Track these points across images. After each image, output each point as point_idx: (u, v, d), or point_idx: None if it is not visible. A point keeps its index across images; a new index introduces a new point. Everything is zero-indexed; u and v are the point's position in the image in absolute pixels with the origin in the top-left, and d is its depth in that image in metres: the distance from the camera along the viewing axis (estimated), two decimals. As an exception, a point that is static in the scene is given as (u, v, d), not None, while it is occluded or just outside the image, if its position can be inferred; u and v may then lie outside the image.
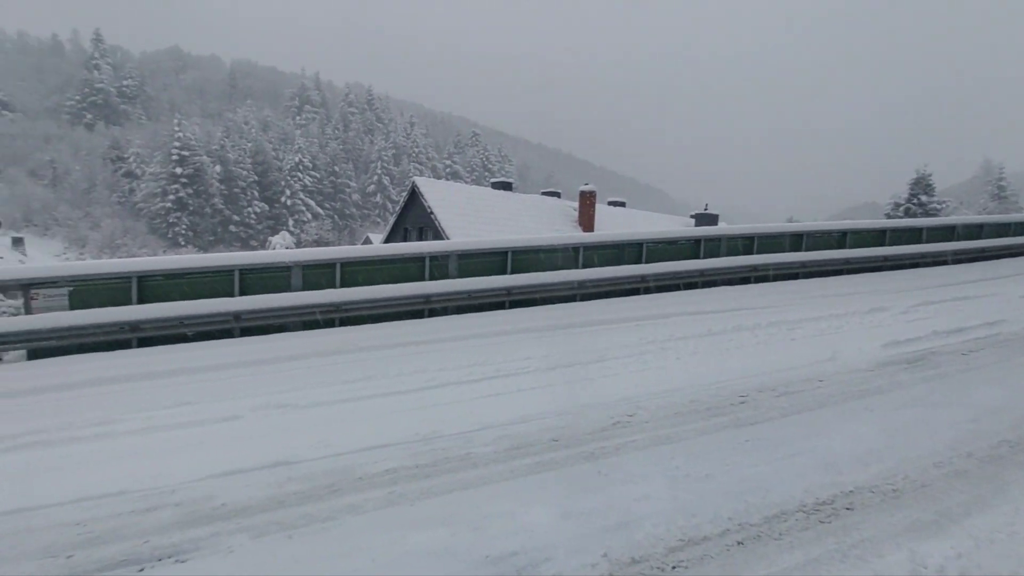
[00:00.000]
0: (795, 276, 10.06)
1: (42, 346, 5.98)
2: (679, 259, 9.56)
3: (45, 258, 43.71)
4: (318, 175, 73.89)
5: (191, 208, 62.66)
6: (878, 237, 11.26)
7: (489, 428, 3.61)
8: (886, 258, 10.79)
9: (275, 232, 59.78)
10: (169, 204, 61.39)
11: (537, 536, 2.41)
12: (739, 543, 2.30)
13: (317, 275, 7.23)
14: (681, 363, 4.99)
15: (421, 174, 64.31)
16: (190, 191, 62.59)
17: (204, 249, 59.53)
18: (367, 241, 49.00)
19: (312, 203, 71.47)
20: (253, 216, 67.70)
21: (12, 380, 5.28)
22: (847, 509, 2.54)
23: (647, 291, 9.07)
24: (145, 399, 4.46)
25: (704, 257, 9.72)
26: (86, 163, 64.32)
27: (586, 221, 17.65)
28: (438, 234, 15.12)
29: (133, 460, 3.31)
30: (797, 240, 10.55)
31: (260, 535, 2.46)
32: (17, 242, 39.78)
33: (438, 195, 16.44)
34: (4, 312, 6.36)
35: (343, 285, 7.29)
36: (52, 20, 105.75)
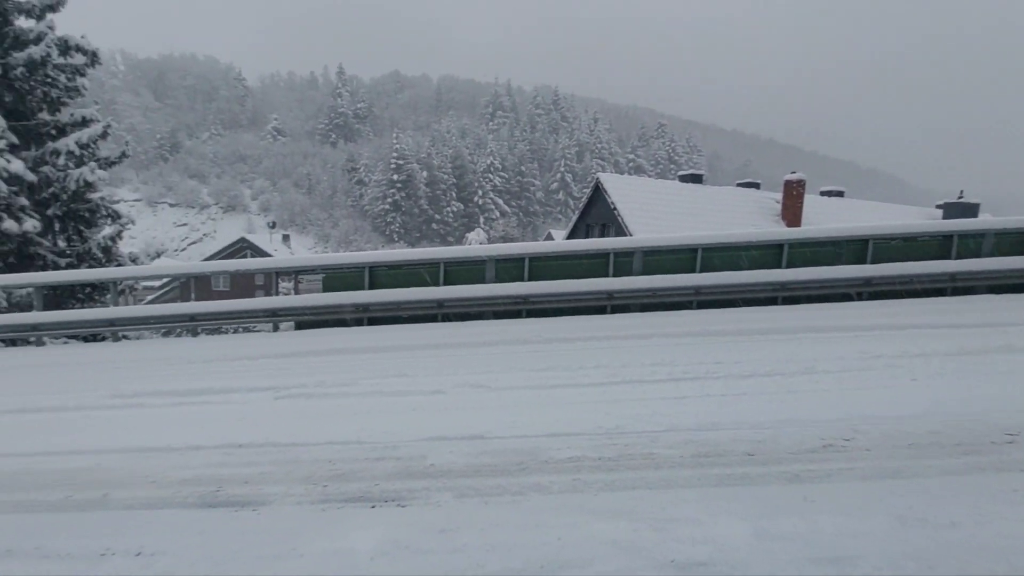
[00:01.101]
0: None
1: (304, 319, 7.68)
2: (919, 258, 7.87)
3: (303, 251, 55.16)
4: (506, 175, 78.89)
5: (403, 209, 72.52)
6: None
7: (674, 431, 3.48)
8: None
9: (470, 229, 65.75)
10: (387, 206, 72.03)
11: (727, 551, 2.25)
12: (1004, 615, 1.84)
13: (508, 269, 7.82)
14: (918, 385, 4.13)
15: (603, 170, 64.02)
16: (403, 194, 72.46)
17: (412, 244, 68.51)
18: (549, 237, 50.81)
19: (500, 202, 76.63)
20: (451, 215, 75.48)
21: (284, 345, 6.84)
22: None
23: (872, 296, 7.68)
24: (375, 368, 5.37)
25: (957, 257, 7.83)
26: (331, 174, 78.96)
27: (791, 214, 15.66)
28: (621, 230, 14.96)
29: (366, 417, 4.00)
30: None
31: (461, 496, 2.77)
32: (285, 238, 50.81)
33: (621, 191, 16.24)
34: (283, 292, 8.31)
35: (531, 279, 7.74)
36: (311, 60, 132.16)
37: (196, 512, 2.67)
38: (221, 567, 2.20)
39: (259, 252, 41.89)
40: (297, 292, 7.85)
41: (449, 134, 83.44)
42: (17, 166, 10.87)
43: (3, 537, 2.50)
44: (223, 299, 8.85)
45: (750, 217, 15.91)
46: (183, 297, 31.80)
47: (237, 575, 2.15)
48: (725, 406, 3.89)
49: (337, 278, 7.74)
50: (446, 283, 7.69)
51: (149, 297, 30.76)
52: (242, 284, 33.09)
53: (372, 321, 7.61)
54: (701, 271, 7.88)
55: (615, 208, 15.61)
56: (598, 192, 18.07)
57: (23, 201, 11.25)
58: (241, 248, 42.69)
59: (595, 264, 7.92)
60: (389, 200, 71.16)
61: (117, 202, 13.91)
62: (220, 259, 38.53)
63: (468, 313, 7.66)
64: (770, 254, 7.91)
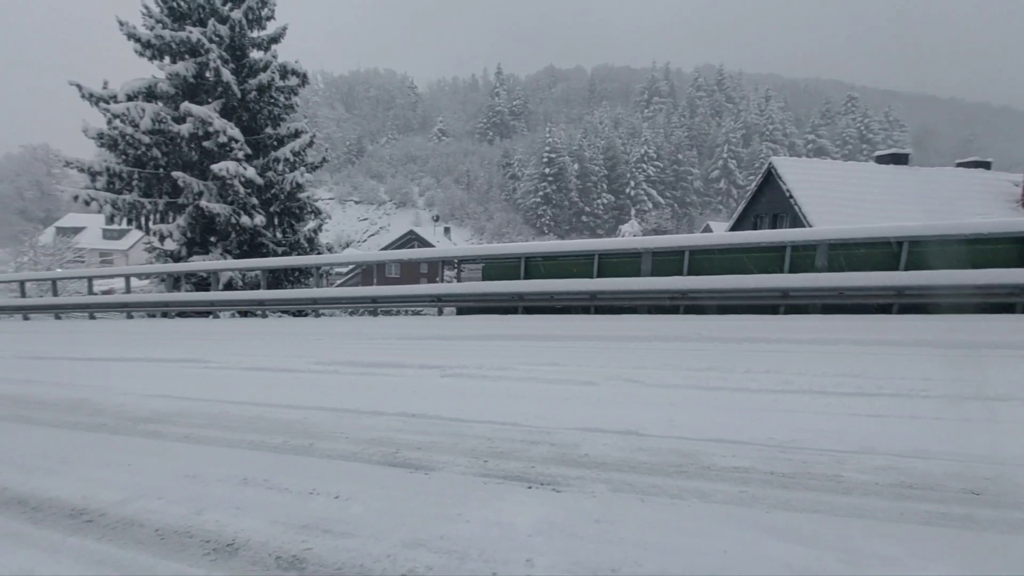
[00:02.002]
0: None
1: (465, 305, 8.28)
2: None
3: (462, 242, 59.35)
4: (661, 164, 75.36)
5: (554, 202, 73.60)
6: None
7: (869, 454, 3.00)
8: None
9: (620, 222, 64.35)
10: (538, 199, 73.75)
11: (945, 604, 1.87)
12: None
13: (665, 262, 7.48)
14: None
15: (776, 153, 57.54)
16: (554, 187, 73.52)
17: (561, 237, 69.35)
18: (707, 229, 47.40)
19: (654, 192, 73.54)
20: (601, 207, 74.61)
21: (448, 328, 7.44)
22: None
23: None
24: (528, 355, 5.56)
25: None
26: (487, 170, 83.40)
27: (1038, 199, 12.40)
28: (797, 221, 13.32)
29: (521, 401, 4.16)
30: None
31: (616, 490, 2.73)
32: (447, 231, 55.18)
33: (799, 175, 14.41)
34: (447, 279, 9.06)
35: (690, 273, 7.31)
36: (473, 63, 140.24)
37: (379, 468, 3.04)
38: (402, 518, 2.47)
39: (424, 243, 46.23)
40: (459, 280, 8.51)
41: (602, 125, 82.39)
42: (251, 173, 13.46)
43: (241, 468, 3.13)
44: (396, 284, 9.94)
45: (977, 204, 12.94)
46: (365, 282, 36.65)
47: (415, 528, 2.40)
48: (939, 431, 3.24)
49: (495, 268, 8.19)
50: (599, 275, 7.64)
51: (338, 281, 35.98)
52: (410, 271, 36.93)
53: (526, 310, 7.90)
54: (906, 268, 6.63)
55: (790, 195, 13.89)
56: (770, 178, 16.27)
57: (254, 201, 13.90)
58: (409, 239, 47.56)
59: (766, 258, 7.16)
60: (540, 193, 72.91)
61: (317, 200, 16.47)
62: (392, 249, 43.40)
63: (621, 306, 7.51)
64: (1013, 249, 6.34)
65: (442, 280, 9.02)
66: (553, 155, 73.02)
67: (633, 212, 69.41)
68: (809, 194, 13.72)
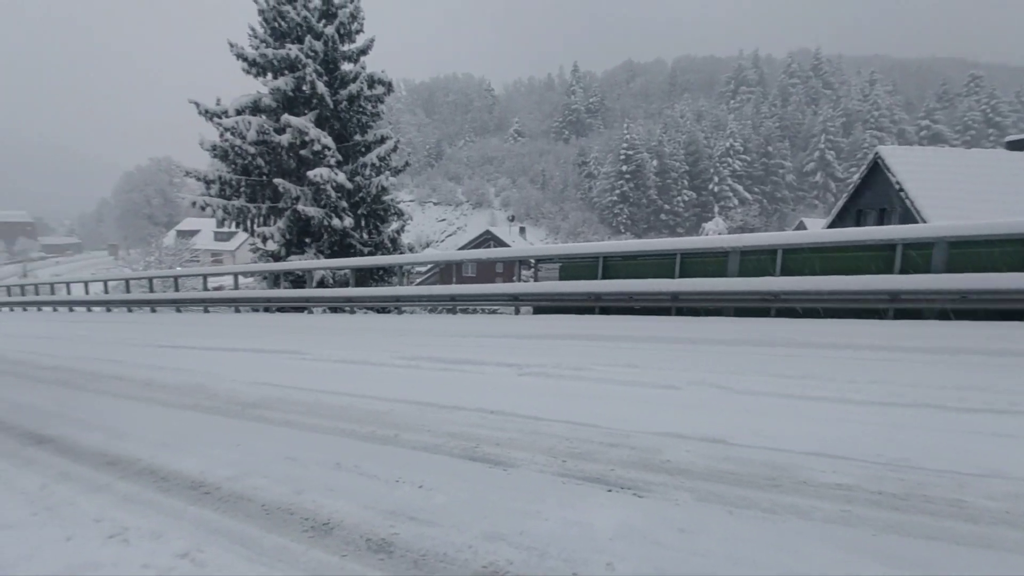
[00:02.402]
0: None
1: (542, 305, 8.31)
2: None
3: (537, 242, 59.53)
4: (749, 158, 71.23)
5: (631, 200, 71.86)
6: None
7: (999, 477, 2.65)
8: None
9: (702, 219, 61.60)
10: (615, 197, 72.34)
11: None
12: None
13: (754, 261, 7.04)
14: None
15: (882, 142, 52.41)
16: (631, 185, 71.78)
17: (639, 236, 67.66)
18: (801, 226, 44.15)
19: (740, 188, 69.71)
20: (681, 204, 71.83)
21: (525, 327, 7.49)
22: None
23: None
24: (606, 356, 5.48)
25: None
26: (563, 169, 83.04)
27: None
28: (908, 216, 12.04)
29: (598, 402, 4.10)
30: None
31: (702, 499, 2.61)
32: (522, 230, 55.59)
33: (912, 166, 13.01)
34: (526, 279, 9.13)
35: (783, 273, 6.83)
36: (550, 63, 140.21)
37: (460, 462, 3.13)
38: (482, 511, 2.53)
39: (500, 243, 46.93)
40: (536, 280, 8.54)
41: (683, 119, 79.22)
42: (341, 178, 14.35)
43: (334, 453, 3.34)
44: (472, 283, 10.18)
45: None
46: (442, 281, 37.89)
47: (496, 521, 2.44)
48: (1092, 457, 2.79)
49: (572, 267, 8.14)
50: (682, 275, 7.35)
51: (417, 280, 37.45)
52: (486, 271, 37.65)
53: (604, 310, 7.77)
54: (1046, 268, 5.78)
55: (900, 188, 12.56)
56: (876, 170, 14.82)
57: (344, 204, 14.81)
58: (485, 239, 48.50)
59: (872, 257, 6.52)
60: (617, 191, 71.44)
61: (400, 203, 17.24)
62: (468, 249, 44.44)
63: (705, 308, 7.18)
64: None
65: (519, 279, 9.11)
66: (630, 152, 71.26)
67: (716, 209, 66.10)
68: (923, 186, 12.32)
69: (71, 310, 19.10)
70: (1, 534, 2.49)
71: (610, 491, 2.72)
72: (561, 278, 8.19)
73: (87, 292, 20.68)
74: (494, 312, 10.12)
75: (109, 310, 17.61)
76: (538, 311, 8.43)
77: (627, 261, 7.78)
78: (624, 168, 71.42)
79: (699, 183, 71.87)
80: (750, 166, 70.98)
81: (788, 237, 7.11)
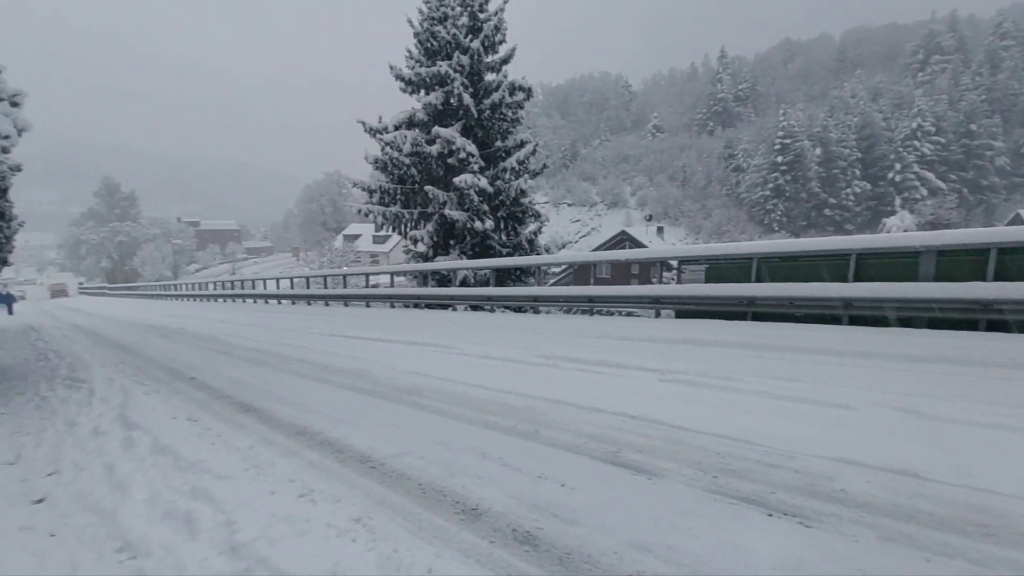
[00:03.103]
0: None
1: (685, 308, 7.86)
2: None
3: (676, 242, 56.64)
4: (943, 140, 59.89)
5: (787, 194, 64.83)
6: None
7: None
8: None
9: (879, 214, 53.34)
10: (767, 192, 65.84)
11: None
12: None
13: (956, 263, 5.86)
14: None
15: None
16: (788, 178, 64.73)
17: (796, 234, 60.70)
18: (1016, 220, 36.05)
19: (930, 176, 58.96)
20: (851, 198, 62.97)
21: (666, 331, 7.17)
22: None
23: None
24: (760, 366, 5.00)
25: None
26: (706, 164, 77.87)
27: None
28: None
29: (752, 417, 3.75)
30: None
31: (888, 539, 2.25)
32: (660, 230, 53.30)
33: None
34: (667, 281, 8.74)
35: (998, 278, 5.58)
36: (692, 52, 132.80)
37: (601, 464, 3.09)
38: (626, 517, 2.47)
39: (636, 243, 45.53)
40: (680, 281, 8.10)
41: (855, 99, 69.22)
42: (483, 183, 15.13)
43: (480, 443, 3.52)
44: (606, 285, 9.99)
45: None
46: (577, 281, 37.95)
47: (642, 530, 2.36)
48: None
49: (721, 269, 7.56)
50: (856, 278, 6.39)
51: (551, 280, 37.94)
52: (621, 272, 36.81)
53: (757, 316, 7.09)
54: None
55: None
56: None
57: (485, 207, 15.59)
58: (621, 240, 47.42)
59: None
60: (770, 185, 64.89)
61: (535, 205, 17.62)
62: (603, 250, 43.84)
63: (886, 317, 6.17)
64: None
65: (659, 281, 8.71)
66: (787, 140, 64.21)
67: (899, 202, 56.56)
68: None
69: (267, 302, 22.87)
70: (225, 483, 3.06)
71: (770, 516, 2.47)
72: (707, 280, 7.64)
73: (277, 287, 24.58)
74: (631, 314, 9.84)
75: (293, 303, 20.72)
76: (681, 315, 7.97)
77: (787, 262, 6.97)
78: (779, 159, 64.58)
79: (875, 172, 62.15)
80: (944, 149, 59.46)
81: (1006, 234, 5.77)
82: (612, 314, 10.01)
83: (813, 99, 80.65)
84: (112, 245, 76.09)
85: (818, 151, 64.06)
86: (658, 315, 8.48)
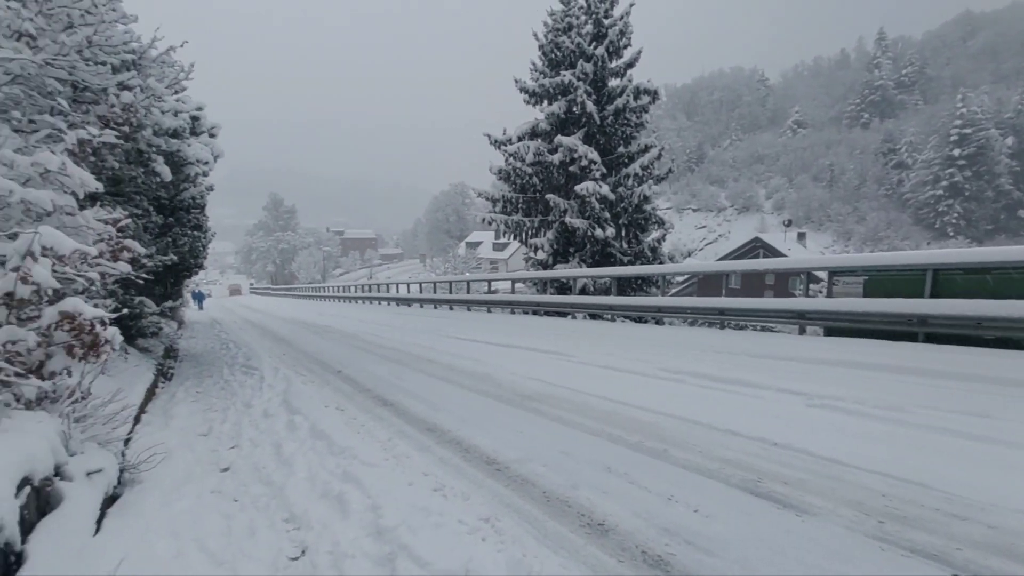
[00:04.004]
0: None
1: (835, 326, 6.97)
2: None
3: (819, 250, 50.81)
4: None
5: (966, 193, 55.15)
6: None
7: None
8: None
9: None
10: (940, 191, 56.60)
11: None
12: None
13: None
14: None
15: None
16: (967, 174, 55.10)
17: (978, 241, 51.15)
18: None
19: None
20: (1058, 196, 51.66)
21: (812, 350, 6.44)
22: None
23: None
24: (936, 397, 4.27)
25: None
26: (859, 161, 68.96)
27: None
28: None
29: (931, 456, 3.21)
30: None
31: None
32: (800, 236, 48.26)
33: None
34: (814, 294, 7.86)
35: None
36: (842, 36, 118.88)
37: (739, 493, 2.85)
38: (772, 556, 2.24)
39: (772, 251, 41.67)
40: (830, 295, 7.20)
41: (1063, 77, 56.59)
42: (605, 190, 14.94)
43: (604, 456, 3.44)
44: (736, 296, 9.24)
45: None
46: (701, 292, 35.67)
47: (791, 573, 2.13)
48: None
49: (883, 281, 6.56)
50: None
51: (673, 290, 36.14)
52: (752, 283, 33.89)
53: (930, 338, 6.04)
54: None
55: None
56: None
57: (606, 215, 15.37)
58: (753, 248, 43.72)
59: None
60: (944, 183, 55.47)
61: (658, 211, 16.95)
62: (733, 259, 40.80)
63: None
64: None
65: (806, 294, 7.78)
66: (967, 130, 54.45)
67: None
68: None
69: (397, 305, 24.85)
70: (370, 470, 3.35)
71: (957, 577, 2.09)
72: (866, 294, 6.66)
73: (408, 291, 26.58)
74: (768, 330, 8.98)
75: (421, 306, 22.25)
76: (830, 332, 7.05)
77: (972, 275, 5.81)
78: (956, 152, 54.99)
79: (1094, 164, 50.15)
80: None
81: None
82: (745, 328, 9.25)
83: (1002, 79, 67.50)
84: (276, 252, 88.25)
85: (1009, 141, 53.39)
86: (802, 332, 7.61)
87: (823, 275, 8.05)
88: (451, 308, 19.47)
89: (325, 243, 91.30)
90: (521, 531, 2.57)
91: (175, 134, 7.37)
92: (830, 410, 4.18)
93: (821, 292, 7.47)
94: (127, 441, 3.75)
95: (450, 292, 21.31)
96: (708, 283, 35.51)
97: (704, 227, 74.79)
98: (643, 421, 4.13)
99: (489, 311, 16.78)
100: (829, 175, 70.28)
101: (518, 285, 17.70)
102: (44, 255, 2.76)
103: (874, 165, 66.75)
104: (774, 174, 75.81)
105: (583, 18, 16.49)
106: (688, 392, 4.95)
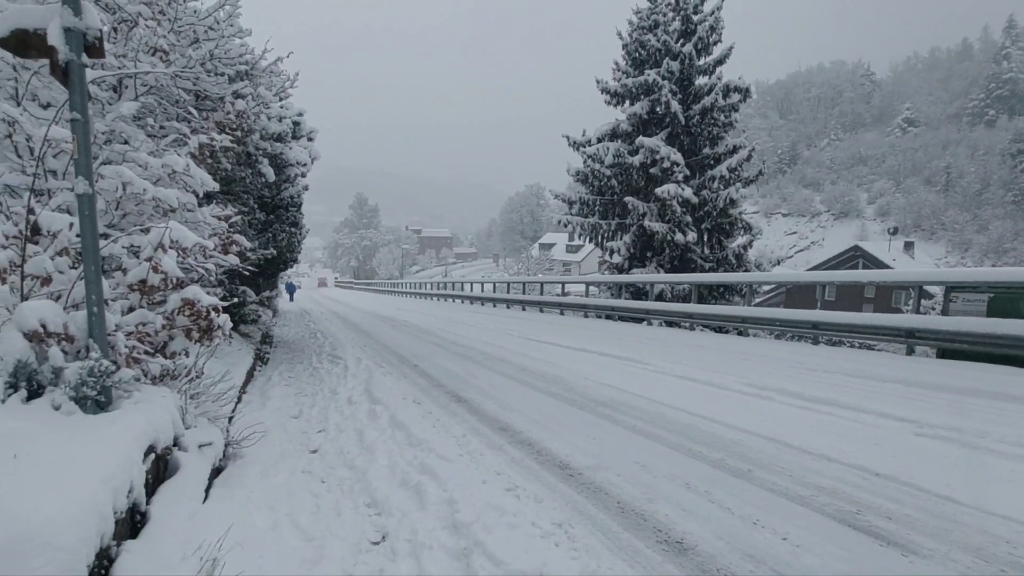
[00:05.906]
0: None
1: (950, 347, 6.23)
2: None
3: (929, 261, 45.77)
4: None
5: (1122, 201, 47.47)
6: None
7: None
8: None
9: None
10: (1086, 198, 49.17)
11: None
12: None
13: None
14: None
15: None
16: (1124, 178, 47.40)
17: None
18: None
19: None
20: None
21: (923, 373, 5.81)
22: None
23: None
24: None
25: None
26: (981, 163, 61.55)
27: None
28: None
29: (1072, 504, 2.78)
30: None
31: None
32: (908, 246, 43.76)
33: None
34: (927, 311, 7.09)
35: None
36: (965, 26, 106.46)
37: (834, 524, 2.62)
38: (874, 602, 2.04)
39: (872, 261, 38.11)
40: (945, 312, 6.44)
41: None
42: (688, 193, 14.37)
43: (682, 471, 3.30)
44: (831, 310, 8.51)
45: None
46: (789, 303, 33.34)
47: (896, 623, 1.93)
48: None
49: (1014, 299, 5.77)
50: None
51: (756, 300, 34.01)
52: (849, 296, 31.16)
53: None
54: None
55: None
56: None
57: (688, 219, 14.78)
58: (852, 257, 40.18)
59: None
60: (1090, 190, 47.99)
61: (745, 215, 16.02)
62: (827, 268, 37.81)
63: None
64: None
65: (916, 310, 6.98)
66: (1125, 129, 46.69)
67: None
68: None
69: (471, 303, 25.39)
70: (446, 464, 3.45)
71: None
72: (990, 313, 5.85)
73: (482, 290, 27.07)
74: (869, 348, 8.19)
75: (494, 305, 22.57)
76: (946, 355, 6.27)
77: None
78: (1108, 154, 47.44)
79: None
80: None
81: None
82: (841, 344, 8.53)
83: None
84: (359, 248, 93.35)
85: None
86: (910, 352, 6.85)
87: (936, 290, 7.21)
88: (523, 308, 19.58)
89: (404, 241, 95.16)
90: (595, 540, 2.53)
91: (279, 138, 8.01)
92: (944, 441, 3.75)
93: (934, 309, 6.67)
94: (231, 419, 4.11)
95: (523, 292, 21.45)
96: (797, 294, 33.08)
97: (795, 233, 69.85)
98: (725, 438, 3.92)
99: (561, 313, 16.70)
100: (945, 178, 63.08)
101: (591, 288, 17.46)
102: (171, 247, 3.10)
103: (1000, 167, 59.06)
104: (878, 177, 69.27)
105: (670, 15, 15.96)
106: (776, 410, 4.64)
